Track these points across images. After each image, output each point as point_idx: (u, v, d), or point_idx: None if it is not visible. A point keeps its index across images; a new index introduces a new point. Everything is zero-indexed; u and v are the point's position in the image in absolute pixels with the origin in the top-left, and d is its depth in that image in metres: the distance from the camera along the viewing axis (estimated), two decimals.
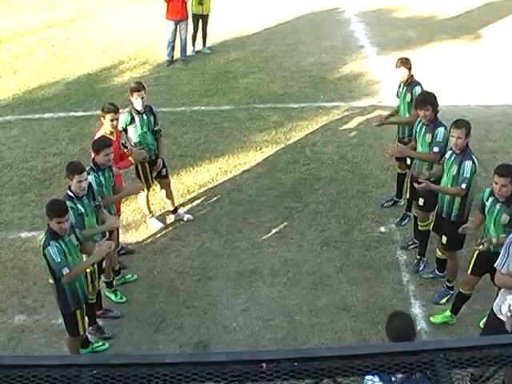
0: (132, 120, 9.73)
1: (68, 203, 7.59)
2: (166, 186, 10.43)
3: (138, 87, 9.74)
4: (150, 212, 10.51)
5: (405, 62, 10.04)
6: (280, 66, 15.60)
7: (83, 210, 7.88)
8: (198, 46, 16.44)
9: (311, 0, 19.45)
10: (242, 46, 16.58)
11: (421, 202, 9.31)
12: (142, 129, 9.79)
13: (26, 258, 9.72)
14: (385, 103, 13.52)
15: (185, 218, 10.57)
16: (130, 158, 9.58)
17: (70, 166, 7.93)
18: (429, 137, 9.01)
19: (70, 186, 7.85)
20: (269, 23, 18.05)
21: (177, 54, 15.91)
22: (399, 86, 10.33)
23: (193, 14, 15.93)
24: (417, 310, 8.65)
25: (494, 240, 7.61)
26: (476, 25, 17.74)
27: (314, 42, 16.58)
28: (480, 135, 12.03)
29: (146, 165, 9.97)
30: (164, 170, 10.25)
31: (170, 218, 10.59)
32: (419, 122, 9.18)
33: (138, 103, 9.66)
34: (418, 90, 9.94)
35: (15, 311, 8.92)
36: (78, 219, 7.82)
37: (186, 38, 15.83)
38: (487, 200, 7.78)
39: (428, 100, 8.99)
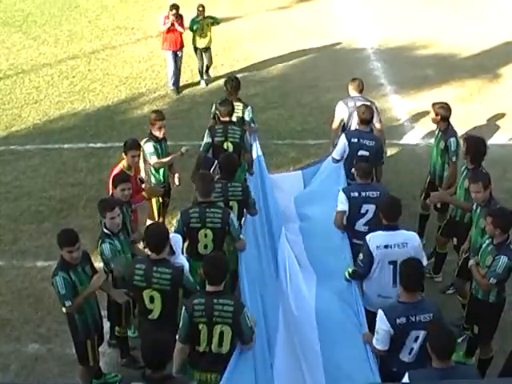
0: (156, 148, 9.93)
1: (106, 241, 7.63)
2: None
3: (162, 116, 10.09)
4: None
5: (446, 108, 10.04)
6: (299, 101, 15.65)
7: (120, 247, 7.81)
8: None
9: (331, 37, 19.60)
10: (262, 82, 16.67)
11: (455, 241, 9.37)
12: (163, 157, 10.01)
13: (42, 287, 9.73)
14: (403, 141, 13.54)
15: None
16: (144, 193, 9.67)
17: (101, 204, 7.87)
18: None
19: (104, 224, 7.78)
20: (288, 59, 18.18)
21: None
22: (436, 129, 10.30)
23: (195, 48, 16.40)
24: None
25: (472, 261, 7.85)
26: (495, 64, 17.74)
27: (333, 78, 16.62)
28: (496, 175, 11.91)
29: (160, 197, 10.16)
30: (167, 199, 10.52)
31: None
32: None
33: (160, 132, 9.96)
34: (453, 141, 9.80)
35: (29, 339, 8.93)
36: (116, 255, 7.75)
37: (180, 69, 16.28)
38: (484, 242, 7.80)
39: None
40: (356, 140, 9.76)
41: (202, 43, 16.30)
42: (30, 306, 9.52)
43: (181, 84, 16.53)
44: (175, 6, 15.64)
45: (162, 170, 10.13)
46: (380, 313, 6.58)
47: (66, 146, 13.81)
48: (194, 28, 16.09)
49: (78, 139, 14.05)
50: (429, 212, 10.50)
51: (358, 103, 10.48)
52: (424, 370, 6.08)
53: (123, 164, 9.28)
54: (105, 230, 7.78)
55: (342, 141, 9.78)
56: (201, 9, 16.06)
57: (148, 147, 9.83)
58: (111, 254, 7.67)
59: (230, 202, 8.60)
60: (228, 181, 8.68)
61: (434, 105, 10.17)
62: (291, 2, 23.28)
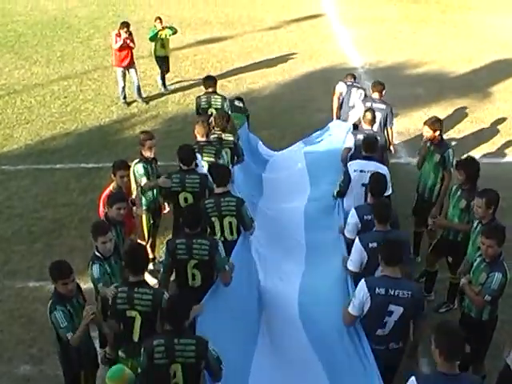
0: (146, 170, 9.91)
1: (97, 263, 7.58)
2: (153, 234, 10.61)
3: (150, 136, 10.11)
4: None
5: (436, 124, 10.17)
6: (290, 121, 15.69)
7: (110, 271, 7.73)
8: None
9: (322, 56, 19.75)
10: (253, 101, 16.68)
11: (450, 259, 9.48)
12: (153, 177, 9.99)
13: (34, 308, 9.68)
14: (394, 160, 13.55)
15: None
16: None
17: (93, 228, 7.79)
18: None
19: (96, 247, 7.72)
20: (279, 79, 18.28)
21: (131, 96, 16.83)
22: (426, 142, 10.37)
23: (156, 57, 17.33)
24: (424, 367, 8.51)
25: (464, 280, 7.78)
26: (484, 82, 17.93)
27: (324, 98, 16.62)
28: None
29: (150, 215, 10.12)
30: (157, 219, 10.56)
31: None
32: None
33: (150, 152, 9.96)
34: (450, 152, 10.06)
35: (21, 361, 8.88)
36: (106, 279, 7.66)
37: (138, 80, 16.87)
38: (475, 260, 7.82)
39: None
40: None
41: (161, 52, 17.24)
42: (22, 326, 9.47)
43: (168, 106, 16.63)
44: (126, 24, 16.40)
45: (152, 192, 10.13)
46: (352, 211, 8.59)
47: (57, 166, 13.81)
48: (154, 38, 17.01)
49: (69, 159, 14.06)
50: (422, 229, 10.53)
51: (354, 84, 13.53)
52: (431, 374, 6.24)
53: (113, 186, 9.27)
54: (96, 253, 7.72)
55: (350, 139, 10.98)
56: (158, 21, 17.08)
57: (138, 168, 9.86)
58: (99, 275, 7.58)
59: (223, 150, 10.57)
60: (222, 132, 10.79)
61: (426, 122, 10.29)
62: (282, 22, 23.46)
